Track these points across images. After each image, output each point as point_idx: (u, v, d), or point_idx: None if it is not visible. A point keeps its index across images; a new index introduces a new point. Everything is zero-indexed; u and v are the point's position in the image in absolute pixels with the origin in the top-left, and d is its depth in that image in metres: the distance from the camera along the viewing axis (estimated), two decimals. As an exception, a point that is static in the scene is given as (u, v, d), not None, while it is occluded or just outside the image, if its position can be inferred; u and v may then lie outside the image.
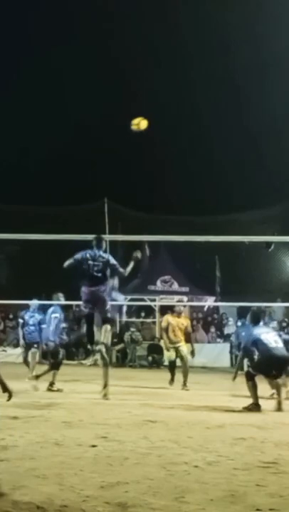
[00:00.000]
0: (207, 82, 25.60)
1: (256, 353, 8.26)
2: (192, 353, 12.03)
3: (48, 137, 25.82)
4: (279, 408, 8.01)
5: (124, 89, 25.59)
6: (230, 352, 18.34)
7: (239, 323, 17.66)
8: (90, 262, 8.78)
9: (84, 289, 8.90)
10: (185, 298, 20.10)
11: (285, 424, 6.93)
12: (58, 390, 9.96)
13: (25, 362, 12.39)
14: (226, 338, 19.95)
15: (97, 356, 9.04)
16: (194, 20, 24.15)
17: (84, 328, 9.60)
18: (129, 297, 18.92)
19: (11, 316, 20.08)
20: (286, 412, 7.93)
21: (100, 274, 8.75)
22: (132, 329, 19.04)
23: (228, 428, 6.49)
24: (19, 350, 12.59)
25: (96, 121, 26.25)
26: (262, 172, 23.87)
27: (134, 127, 9.29)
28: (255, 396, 8.11)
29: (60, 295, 10.98)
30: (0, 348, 18.65)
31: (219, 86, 25.50)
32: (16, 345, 15.10)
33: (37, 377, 10.31)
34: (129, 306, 20.62)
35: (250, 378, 8.22)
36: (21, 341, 12.56)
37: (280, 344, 8.41)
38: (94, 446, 5.31)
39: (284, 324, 19.70)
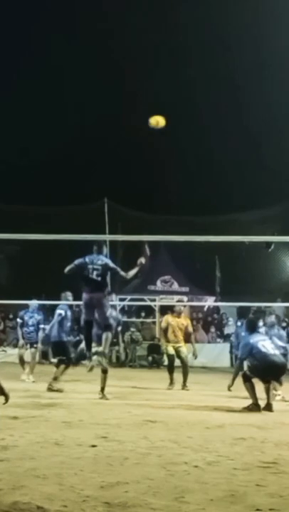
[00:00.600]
0: (207, 82, 25.62)
1: (254, 361, 8.27)
2: (194, 353, 12.01)
3: (48, 137, 25.85)
4: (269, 409, 8.02)
5: (124, 89, 25.62)
6: (230, 352, 18.32)
7: (239, 323, 17.65)
8: (90, 267, 8.77)
9: (84, 295, 8.89)
10: (185, 298, 20.11)
11: (285, 424, 6.93)
12: (58, 390, 9.95)
13: (21, 361, 12.38)
14: (225, 338, 19.94)
15: (94, 363, 9.01)
16: (194, 20, 24.16)
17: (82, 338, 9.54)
18: (129, 297, 18.95)
19: (11, 316, 20.07)
20: (286, 412, 7.94)
21: (99, 279, 8.73)
22: (132, 329, 19.04)
23: (228, 428, 6.49)
24: (27, 347, 12.58)
25: (96, 121, 26.28)
26: (262, 172, 23.88)
27: (152, 124, 9.24)
28: (254, 396, 8.12)
29: (69, 294, 10.93)
30: (0, 348, 18.65)
31: (219, 86, 25.53)
32: (16, 345, 15.11)
33: (55, 379, 10.22)
34: (129, 306, 20.65)
35: (247, 380, 8.25)
36: (20, 341, 12.56)
37: (277, 351, 8.44)
38: (94, 446, 5.31)
39: (284, 324, 19.72)
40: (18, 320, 12.60)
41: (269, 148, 24.22)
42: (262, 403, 8.10)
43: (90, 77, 25.96)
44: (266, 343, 8.32)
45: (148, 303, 19.59)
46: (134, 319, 20.36)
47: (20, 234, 11.86)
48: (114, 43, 25.15)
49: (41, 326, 12.61)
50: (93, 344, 8.97)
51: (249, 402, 8.15)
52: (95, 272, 8.71)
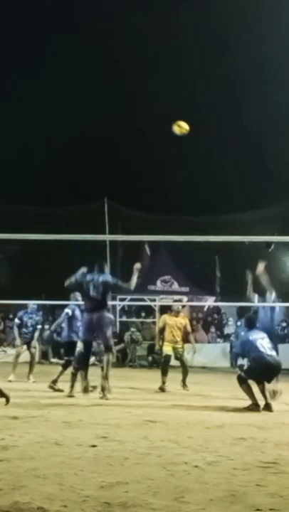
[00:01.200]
0: (207, 82, 25.62)
1: (250, 357, 8.29)
2: (193, 349, 11.93)
3: (48, 137, 25.86)
4: (268, 408, 8.03)
5: (124, 89, 25.62)
6: (230, 352, 18.33)
7: (239, 323, 17.66)
8: (90, 284, 8.73)
9: (84, 315, 8.86)
10: (185, 298, 20.09)
11: (285, 424, 6.93)
12: (59, 390, 9.95)
13: (15, 362, 12.35)
14: (225, 338, 19.94)
15: (95, 388, 9.00)
16: (194, 20, 24.16)
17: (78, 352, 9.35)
18: (129, 297, 18.94)
19: (11, 316, 20.06)
20: (286, 412, 7.94)
21: (100, 297, 8.68)
22: (132, 329, 19.04)
23: (228, 428, 6.49)
24: (23, 349, 12.59)
25: (96, 121, 26.28)
26: (262, 172, 23.87)
27: (176, 130, 9.24)
28: (253, 397, 8.14)
29: (78, 294, 10.89)
30: (0, 348, 18.65)
31: (219, 86, 25.52)
32: (14, 346, 15.11)
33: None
34: (129, 306, 20.64)
35: (242, 382, 8.26)
36: (17, 341, 12.56)
37: (274, 352, 8.45)
38: (94, 446, 5.31)
39: (284, 324, 19.71)
40: (17, 320, 12.59)
41: (269, 148, 24.21)
42: (262, 403, 8.12)
43: (90, 77, 25.97)
44: (264, 342, 8.33)
45: (148, 303, 19.58)
46: (134, 319, 20.35)
47: (20, 234, 11.85)
48: (114, 43, 25.16)
49: (38, 326, 12.62)
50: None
51: (249, 402, 8.16)
52: (95, 290, 8.68)
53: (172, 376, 11.23)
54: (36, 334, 12.60)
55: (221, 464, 4.74)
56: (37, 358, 12.94)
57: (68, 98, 25.63)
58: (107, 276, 9.00)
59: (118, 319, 19.35)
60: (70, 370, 9.74)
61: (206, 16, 23.92)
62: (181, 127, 9.12)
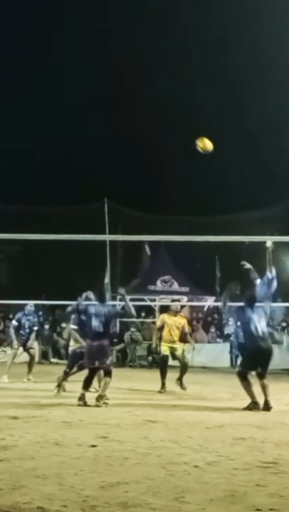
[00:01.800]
0: (207, 82, 25.61)
1: (242, 339, 8.55)
2: (192, 347, 11.89)
3: (48, 137, 25.85)
4: (267, 407, 8.04)
5: (124, 89, 25.62)
6: (230, 352, 18.33)
7: (239, 323, 17.63)
8: (93, 317, 8.84)
9: (87, 341, 8.98)
10: (185, 298, 20.07)
11: (285, 424, 6.93)
12: (64, 390, 9.90)
13: (11, 363, 12.33)
14: (225, 338, 19.93)
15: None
16: (194, 20, 24.16)
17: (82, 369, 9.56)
18: (129, 297, 18.91)
19: (10, 316, 20.07)
20: (286, 412, 7.94)
21: (102, 329, 8.81)
22: (132, 329, 19.04)
23: (228, 428, 6.49)
24: (19, 351, 12.59)
25: (96, 121, 26.28)
26: (262, 172, 23.86)
27: (200, 148, 9.24)
28: (252, 395, 8.17)
29: (90, 293, 10.80)
30: (0, 348, 18.64)
31: (219, 86, 25.52)
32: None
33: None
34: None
35: (242, 378, 8.31)
36: (15, 343, 12.56)
37: (267, 335, 8.51)
38: (94, 446, 5.31)
39: (284, 324, 19.71)
40: (14, 322, 12.59)
41: (269, 148, 24.20)
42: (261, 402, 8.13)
43: (90, 77, 25.98)
44: (261, 324, 8.42)
45: (148, 303, 19.57)
46: (134, 319, 20.35)
47: (20, 234, 11.85)
48: (114, 43, 25.17)
49: (35, 328, 12.65)
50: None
51: (249, 401, 8.17)
52: (98, 322, 8.80)
53: (172, 376, 11.21)
54: (33, 335, 12.65)
55: (221, 463, 4.74)
56: (37, 358, 12.94)
57: (68, 98, 25.65)
58: (109, 308, 9.18)
59: (118, 319, 19.33)
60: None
61: (206, 16, 23.93)
62: (205, 145, 9.13)
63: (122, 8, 23.91)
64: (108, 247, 21.06)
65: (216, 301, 22.06)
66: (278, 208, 21.65)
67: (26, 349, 12.49)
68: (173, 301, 12.79)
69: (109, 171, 24.75)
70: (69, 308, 9.81)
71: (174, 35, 24.96)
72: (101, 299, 9.32)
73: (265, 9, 20.09)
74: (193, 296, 21.62)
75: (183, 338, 11.27)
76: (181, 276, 22.08)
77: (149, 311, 20.49)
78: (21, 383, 11.59)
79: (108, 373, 8.81)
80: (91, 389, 9.22)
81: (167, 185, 25.96)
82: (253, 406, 8.05)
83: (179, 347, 11.13)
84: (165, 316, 11.42)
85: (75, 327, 9.95)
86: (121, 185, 23.58)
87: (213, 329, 20.61)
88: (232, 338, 18.40)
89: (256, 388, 8.24)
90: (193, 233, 13.18)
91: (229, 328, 20.11)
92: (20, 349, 12.52)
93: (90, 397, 8.74)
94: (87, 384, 8.80)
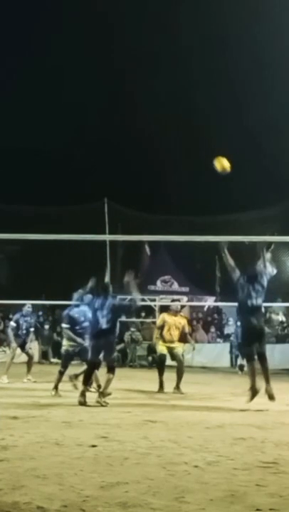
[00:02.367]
0: (207, 82, 25.62)
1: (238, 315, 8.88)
2: (192, 347, 11.87)
3: (49, 137, 25.86)
4: (271, 397, 8.07)
5: (124, 89, 25.63)
6: (230, 352, 18.33)
7: (239, 323, 17.64)
8: (98, 313, 8.79)
9: (93, 338, 8.95)
10: (185, 298, 20.07)
11: (285, 424, 6.92)
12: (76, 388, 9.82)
13: (9, 363, 12.33)
14: (225, 338, 19.94)
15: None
16: (194, 20, 24.16)
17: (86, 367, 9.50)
18: (129, 297, 18.92)
19: (10, 316, 20.08)
20: (286, 412, 7.93)
21: (108, 326, 8.76)
22: (132, 329, 19.04)
23: (228, 428, 6.49)
24: (19, 351, 12.60)
25: (96, 121, 26.29)
26: (262, 172, 23.86)
27: (218, 168, 9.23)
28: (253, 379, 8.20)
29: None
30: (0, 348, 18.65)
31: (219, 86, 25.52)
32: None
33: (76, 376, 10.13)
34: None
35: (249, 359, 8.46)
36: (13, 344, 12.56)
37: (260, 313, 8.71)
38: (94, 446, 5.31)
39: (284, 324, 19.72)
40: (12, 323, 12.59)
41: (269, 148, 24.20)
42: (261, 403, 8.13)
43: (90, 77, 25.99)
44: (258, 301, 8.57)
45: (148, 303, 19.58)
46: (134, 319, 20.35)
47: (20, 234, 11.86)
48: (114, 43, 25.18)
49: (31, 329, 12.66)
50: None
51: (248, 401, 8.18)
52: (104, 318, 8.74)
53: (170, 376, 11.19)
54: (30, 336, 12.67)
55: (221, 463, 4.74)
56: (36, 357, 12.94)
57: (68, 98, 25.68)
58: (114, 300, 9.04)
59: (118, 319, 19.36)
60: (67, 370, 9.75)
61: (206, 16, 23.93)
62: (223, 165, 9.12)
63: (122, 8, 23.92)
64: (108, 247, 21.08)
65: (215, 301, 22.09)
66: (278, 207, 21.66)
67: (24, 351, 12.51)
68: (173, 301, 12.77)
69: (109, 171, 24.77)
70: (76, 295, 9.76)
71: (174, 35, 24.97)
72: (106, 293, 9.14)
73: (265, 9, 20.10)
74: (193, 296, 21.64)
75: (183, 338, 11.26)
76: (181, 276, 22.09)
77: (149, 311, 20.50)
78: (21, 383, 11.60)
79: (111, 370, 8.78)
80: (91, 389, 9.22)
81: (167, 186, 25.98)
82: (253, 390, 8.10)
83: (178, 347, 11.13)
84: (165, 316, 11.41)
85: (67, 326, 9.93)
86: (121, 185, 23.60)
87: (213, 329, 20.62)
88: (232, 338, 18.42)
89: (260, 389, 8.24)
90: (193, 233, 13.20)
91: (229, 328, 20.13)
92: (19, 350, 12.53)
93: (90, 397, 8.75)
94: (86, 380, 8.76)
